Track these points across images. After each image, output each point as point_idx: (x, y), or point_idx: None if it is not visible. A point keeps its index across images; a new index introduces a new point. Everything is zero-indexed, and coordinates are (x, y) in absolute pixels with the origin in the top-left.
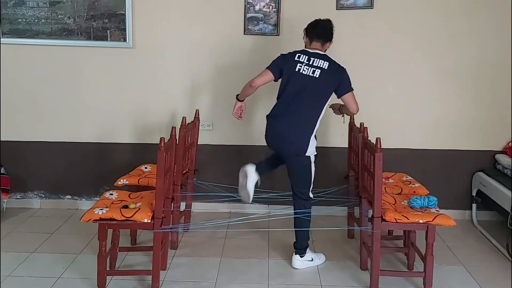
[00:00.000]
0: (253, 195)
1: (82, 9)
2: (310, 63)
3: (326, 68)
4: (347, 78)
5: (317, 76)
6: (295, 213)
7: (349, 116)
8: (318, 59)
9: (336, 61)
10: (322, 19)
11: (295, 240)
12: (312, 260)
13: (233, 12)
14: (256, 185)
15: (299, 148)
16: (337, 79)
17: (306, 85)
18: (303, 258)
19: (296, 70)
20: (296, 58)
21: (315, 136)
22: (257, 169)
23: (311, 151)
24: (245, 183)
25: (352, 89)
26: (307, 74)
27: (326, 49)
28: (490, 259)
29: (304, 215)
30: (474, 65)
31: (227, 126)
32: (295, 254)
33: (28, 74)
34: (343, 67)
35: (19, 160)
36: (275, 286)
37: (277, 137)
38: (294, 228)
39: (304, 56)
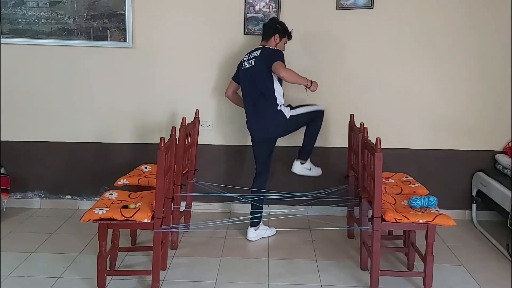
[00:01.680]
0: (254, 195)
1: (82, 9)
2: (249, 57)
3: (258, 55)
4: (274, 54)
5: (253, 64)
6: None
7: (309, 91)
8: (255, 51)
9: (271, 47)
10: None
11: (301, 147)
12: (310, 169)
13: (233, 12)
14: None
15: (279, 127)
16: (266, 58)
17: (250, 76)
18: (304, 165)
19: (242, 68)
20: (242, 60)
21: (282, 105)
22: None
23: (287, 112)
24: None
25: (279, 60)
26: (248, 67)
27: (276, 44)
28: (490, 259)
29: (317, 124)
30: (474, 65)
31: (227, 126)
32: (297, 160)
33: (28, 74)
34: (273, 49)
35: (19, 160)
36: (275, 286)
37: (259, 132)
38: (305, 136)
39: (247, 55)
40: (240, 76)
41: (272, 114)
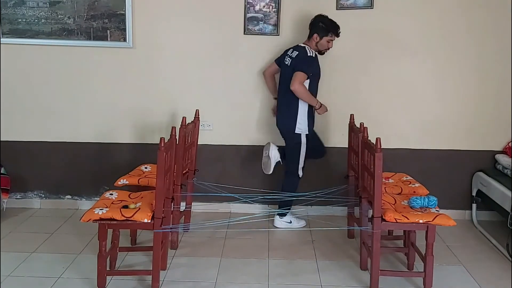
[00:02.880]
0: (254, 195)
1: (82, 9)
2: (290, 55)
3: (294, 56)
4: (304, 62)
5: (288, 64)
6: (282, 182)
7: (318, 113)
8: (295, 50)
9: (308, 50)
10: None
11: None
12: (291, 222)
13: (233, 12)
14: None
15: (288, 127)
16: (296, 64)
17: (283, 73)
18: (283, 219)
19: (283, 61)
20: (286, 51)
21: (308, 116)
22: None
23: (300, 129)
24: (268, 152)
25: (301, 71)
26: (286, 64)
27: (315, 42)
28: (490, 259)
29: (289, 184)
30: (474, 65)
31: (227, 126)
32: (276, 215)
33: (28, 74)
34: (308, 55)
35: (19, 160)
36: (275, 286)
37: (277, 121)
38: (281, 191)
39: (291, 49)
40: (281, 68)
41: (288, 117)
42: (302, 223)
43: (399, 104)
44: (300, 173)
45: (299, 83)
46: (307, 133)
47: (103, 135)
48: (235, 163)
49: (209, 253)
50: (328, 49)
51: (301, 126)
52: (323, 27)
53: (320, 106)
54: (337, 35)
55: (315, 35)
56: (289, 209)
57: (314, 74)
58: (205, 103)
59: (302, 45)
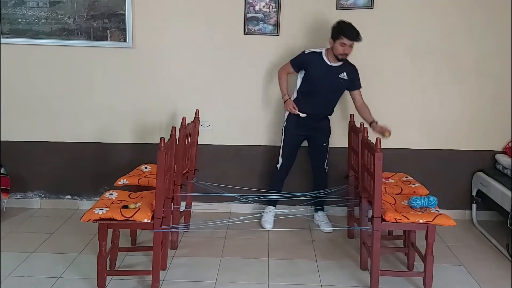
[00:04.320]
0: (254, 195)
1: (82, 9)
2: None
3: None
4: (298, 54)
5: None
6: None
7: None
8: None
9: (309, 49)
10: None
11: None
12: (261, 218)
13: (233, 12)
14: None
15: None
16: None
17: None
18: (264, 211)
19: None
20: None
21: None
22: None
23: (286, 114)
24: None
25: (290, 60)
26: None
27: (331, 47)
28: (490, 259)
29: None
30: (474, 65)
31: (227, 126)
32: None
33: (29, 74)
34: (302, 51)
35: (19, 160)
36: (275, 286)
37: None
38: None
39: None
40: None
41: None
42: (268, 226)
43: (399, 104)
44: (279, 163)
45: (280, 69)
46: (286, 122)
47: (103, 135)
48: (235, 163)
49: (209, 253)
50: (344, 54)
51: (286, 113)
52: (335, 29)
53: (286, 101)
54: (351, 38)
55: (330, 39)
56: (272, 204)
57: (307, 75)
58: (205, 103)
59: (319, 49)
